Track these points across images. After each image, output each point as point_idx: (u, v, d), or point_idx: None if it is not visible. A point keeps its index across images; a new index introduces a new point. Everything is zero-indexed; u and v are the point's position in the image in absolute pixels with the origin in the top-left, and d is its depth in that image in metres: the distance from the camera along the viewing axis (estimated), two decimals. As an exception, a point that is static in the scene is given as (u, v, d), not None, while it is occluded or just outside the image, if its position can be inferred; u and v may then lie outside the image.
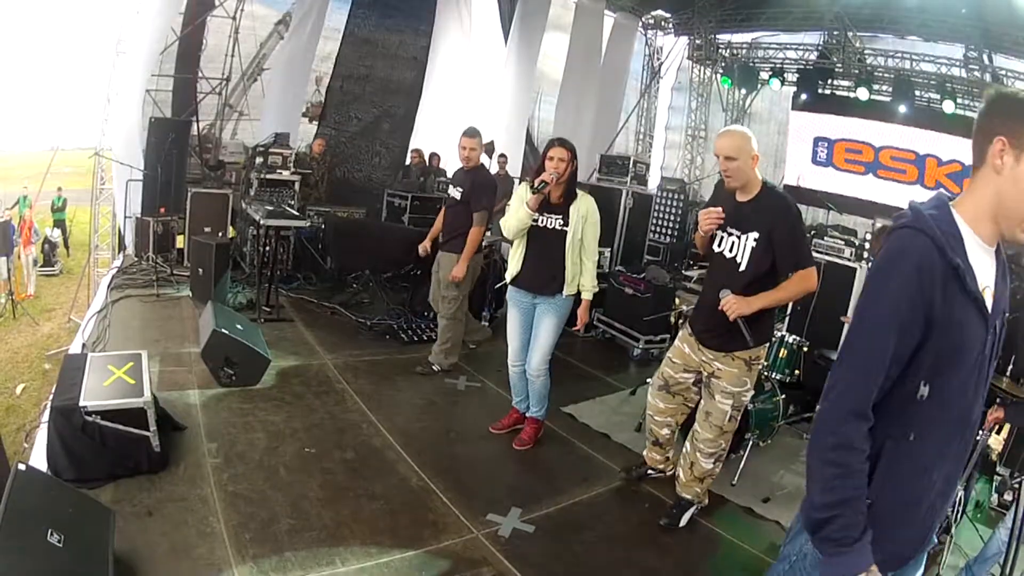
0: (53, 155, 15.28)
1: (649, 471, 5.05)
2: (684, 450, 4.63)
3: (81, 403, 4.25)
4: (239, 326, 6.30)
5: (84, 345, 6.77)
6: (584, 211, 5.10)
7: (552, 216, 5.13)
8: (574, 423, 6.15)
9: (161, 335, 7.02)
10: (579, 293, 5.26)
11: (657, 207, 13.11)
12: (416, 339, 7.98)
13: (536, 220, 5.16)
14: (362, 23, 13.92)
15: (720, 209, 4.18)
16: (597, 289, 5.33)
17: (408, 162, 13.57)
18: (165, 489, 4.27)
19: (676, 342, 4.63)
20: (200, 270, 8.45)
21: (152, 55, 10.40)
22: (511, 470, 5.29)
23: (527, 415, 5.65)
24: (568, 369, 7.72)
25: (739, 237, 4.10)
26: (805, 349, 6.09)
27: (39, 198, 18.93)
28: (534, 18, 14.30)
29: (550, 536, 4.34)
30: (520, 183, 5.60)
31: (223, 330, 5.94)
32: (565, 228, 5.09)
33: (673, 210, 13.31)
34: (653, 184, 14.72)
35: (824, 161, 13.81)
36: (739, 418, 4.44)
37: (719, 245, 4.24)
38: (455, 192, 6.53)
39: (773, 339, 5.80)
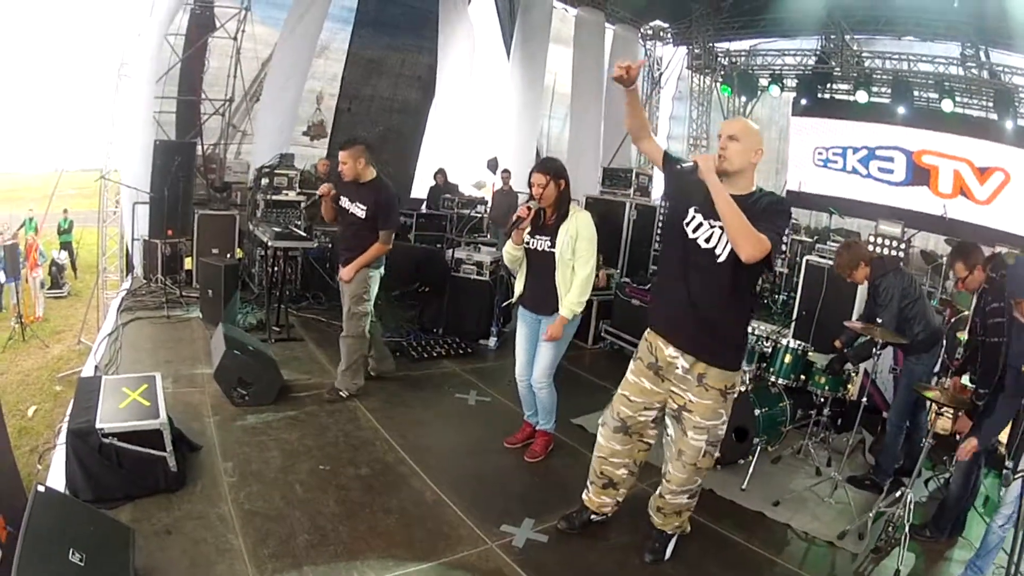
0: (58, 177, 15.40)
1: (592, 516, 4.65)
2: (655, 494, 4.39)
3: (97, 425, 4.35)
4: (250, 347, 6.40)
5: (96, 367, 6.86)
6: (574, 230, 5.08)
7: (542, 238, 5.20)
8: (584, 434, 6.18)
9: (173, 356, 7.09)
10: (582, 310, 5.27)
11: (661, 218, 13.17)
12: (426, 355, 8.04)
13: (528, 244, 5.26)
14: (365, 43, 14.09)
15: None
16: (580, 307, 5.18)
17: (433, 183, 13.62)
18: (183, 508, 4.35)
19: (630, 376, 4.24)
20: (209, 291, 8.53)
21: (155, 77, 10.52)
22: (523, 482, 5.34)
23: (536, 428, 5.71)
24: (578, 381, 7.82)
25: (715, 225, 3.73)
26: (809, 354, 6.10)
27: (45, 220, 18.98)
28: (535, 33, 14.47)
29: (564, 545, 4.40)
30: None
31: (235, 351, 6.05)
32: (553, 249, 5.13)
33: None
34: (657, 195, 14.83)
35: (824, 163, 13.96)
36: (715, 453, 4.11)
37: (693, 231, 3.81)
38: (358, 209, 6.40)
39: (778, 345, 5.85)
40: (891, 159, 12.97)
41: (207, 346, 7.16)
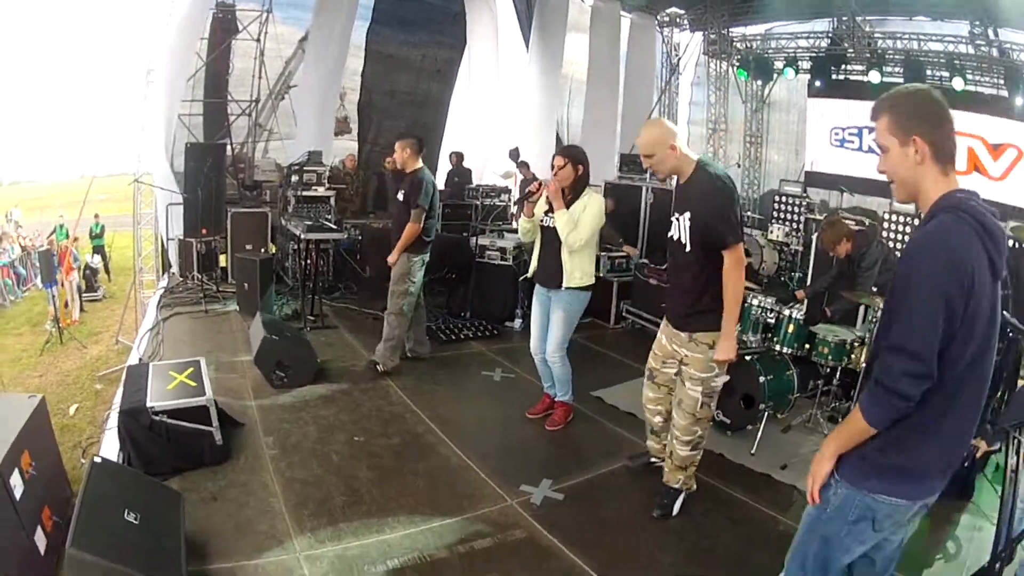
0: (90, 183, 15.74)
1: (652, 460, 5.15)
2: (667, 440, 4.78)
3: (148, 404, 4.79)
4: (287, 333, 6.84)
5: (141, 359, 7.25)
6: (583, 206, 5.44)
7: (554, 216, 5.52)
8: (603, 405, 6.53)
9: (213, 347, 7.51)
10: (588, 287, 5.63)
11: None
12: (454, 338, 8.40)
13: (543, 221, 5.64)
14: (383, 40, 14.38)
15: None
16: (573, 244, 5.38)
17: (449, 165, 13.90)
18: (228, 477, 4.77)
19: (658, 333, 4.75)
20: (246, 285, 8.97)
21: (181, 82, 10.88)
22: (543, 448, 5.69)
23: (556, 399, 6.06)
24: (599, 357, 8.17)
25: (679, 219, 4.28)
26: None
27: (77, 225, 19.42)
28: (553, 22, 14.68)
29: (579, 503, 4.74)
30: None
31: (273, 336, 6.48)
32: None
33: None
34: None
35: (840, 143, 14.11)
36: (713, 405, 4.50)
37: (673, 231, 4.38)
38: (399, 195, 6.96)
39: (781, 316, 6.13)
40: None
41: (245, 336, 7.55)
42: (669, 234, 4.46)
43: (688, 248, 4.25)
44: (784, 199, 13.69)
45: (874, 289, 6.12)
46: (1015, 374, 5.65)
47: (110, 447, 4.96)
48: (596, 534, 4.38)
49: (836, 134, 14.22)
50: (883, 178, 2.45)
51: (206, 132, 12.66)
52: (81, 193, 24.22)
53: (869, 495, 2.44)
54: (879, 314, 5.46)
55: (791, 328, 6.11)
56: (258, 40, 13.15)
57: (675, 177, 4.48)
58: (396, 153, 6.91)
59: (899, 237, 10.90)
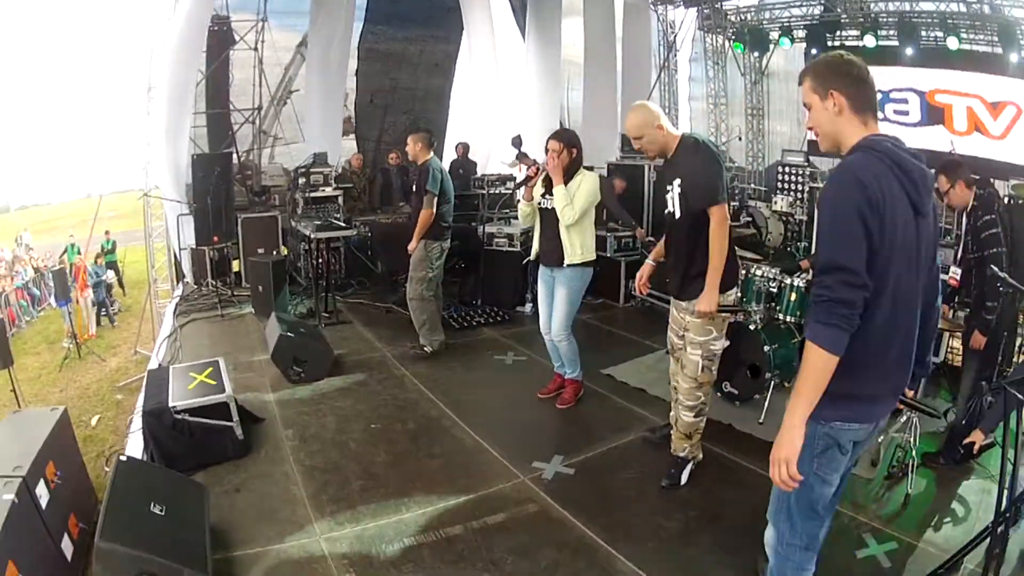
0: (99, 202, 15.93)
1: (672, 431, 5.17)
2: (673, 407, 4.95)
3: (170, 404, 4.98)
4: (302, 329, 7.05)
5: (160, 365, 7.45)
6: (577, 184, 5.60)
7: (552, 198, 5.68)
8: (614, 382, 6.67)
9: (231, 348, 7.68)
10: (591, 262, 5.79)
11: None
12: (466, 325, 8.56)
13: (541, 203, 5.84)
14: (379, 38, 14.54)
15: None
16: (571, 219, 5.55)
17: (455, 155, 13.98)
18: (250, 470, 4.96)
19: (670, 308, 4.91)
20: (260, 287, 9.14)
21: (185, 95, 10.98)
22: (554, 425, 5.87)
23: (565, 377, 6.20)
24: (609, 336, 8.34)
25: (669, 191, 4.46)
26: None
27: (89, 243, 19.58)
28: (549, 8, 14.76)
29: (589, 477, 4.90)
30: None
31: (289, 333, 6.68)
32: None
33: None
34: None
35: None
36: (714, 369, 4.65)
37: (666, 206, 4.58)
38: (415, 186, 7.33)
39: (783, 284, 6.23)
40: (905, 100, 12.96)
41: (261, 336, 7.74)
42: (664, 211, 4.61)
43: (678, 216, 4.43)
44: (787, 169, 13.66)
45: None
46: (1013, 332, 5.75)
47: (135, 448, 5.17)
48: (605, 505, 4.52)
49: None
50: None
51: (211, 142, 12.87)
52: (88, 212, 24.41)
53: (828, 424, 2.64)
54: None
55: (793, 296, 6.14)
56: (255, 49, 13.34)
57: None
58: (408, 147, 7.25)
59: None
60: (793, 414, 2.51)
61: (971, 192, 5.44)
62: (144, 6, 11.56)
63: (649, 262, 4.96)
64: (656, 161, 4.88)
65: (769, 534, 3.07)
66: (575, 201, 5.52)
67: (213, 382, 5.34)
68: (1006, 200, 8.05)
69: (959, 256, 5.76)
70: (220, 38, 12.69)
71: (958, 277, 5.72)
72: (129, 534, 3.49)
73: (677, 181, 4.38)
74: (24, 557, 4.47)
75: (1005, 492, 3.33)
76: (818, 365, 2.43)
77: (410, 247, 7.18)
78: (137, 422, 5.55)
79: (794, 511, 2.87)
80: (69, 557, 5.48)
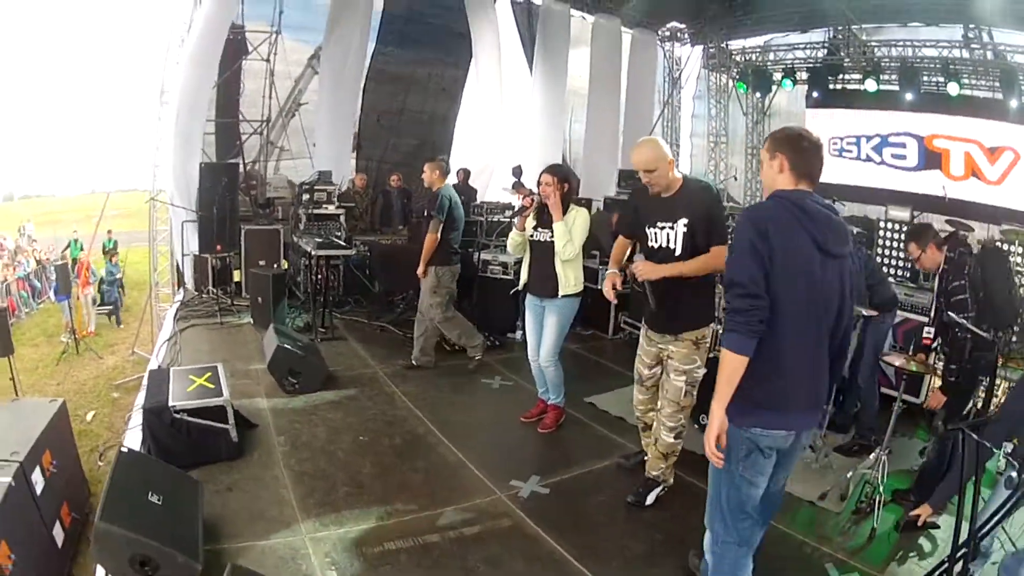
0: (106, 199, 16.00)
1: (645, 457, 5.38)
2: (653, 427, 5.15)
3: (170, 403, 5.27)
4: (299, 343, 7.30)
5: (160, 366, 7.70)
6: (571, 221, 5.87)
7: (544, 231, 6.00)
8: (595, 410, 6.92)
9: (229, 355, 7.91)
10: (579, 293, 6.08)
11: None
12: (458, 348, 8.65)
13: (532, 236, 6.10)
14: (389, 60, 14.83)
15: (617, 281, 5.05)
16: (572, 255, 5.88)
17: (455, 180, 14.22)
18: (242, 471, 5.23)
19: (640, 339, 5.09)
20: (259, 299, 9.40)
21: (198, 103, 11.23)
22: (534, 448, 6.13)
23: (548, 403, 6.47)
24: (595, 366, 8.61)
25: (672, 227, 4.61)
26: None
27: (94, 241, 19.77)
28: (556, 40, 15.06)
29: (563, 497, 5.16)
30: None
31: (286, 345, 6.94)
32: (553, 240, 5.91)
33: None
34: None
35: (839, 153, 14.39)
36: (695, 394, 4.82)
37: (654, 241, 4.71)
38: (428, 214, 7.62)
39: None
40: (903, 145, 13.19)
41: (259, 347, 7.95)
42: (653, 245, 4.74)
43: (678, 253, 4.60)
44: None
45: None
46: (993, 376, 6.01)
47: (133, 443, 5.44)
48: (577, 524, 4.77)
49: (835, 144, 14.45)
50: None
51: (218, 151, 13.11)
52: (91, 208, 24.46)
53: (748, 431, 3.16)
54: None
55: None
56: (268, 60, 13.59)
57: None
58: (425, 174, 7.62)
59: (892, 244, 11.21)
60: (714, 404, 3.08)
61: (942, 254, 5.71)
62: (163, 9, 11.87)
63: (613, 271, 5.13)
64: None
65: (707, 538, 3.47)
66: (574, 237, 5.82)
67: (212, 385, 5.61)
68: (978, 247, 8.34)
69: (932, 317, 6.01)
70: (234, 47, 12.83)
71: (931, 336, 5.96)
72: (127, 518, 3.74)
73: (684, 220, 4.55)
74: (16, 538, 4.77)
75: (964, 525, 3.54)
76: (729, 365, 3.03)
77: (419, 272, 7.52)
78: (136, 418, 5.88)
79: (726, 512, 3.33)
80: (60, 544, 5.80)
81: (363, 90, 14.71)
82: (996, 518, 3.48)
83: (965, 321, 4.91)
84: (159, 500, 4.04)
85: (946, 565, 3.55)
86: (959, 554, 3.48)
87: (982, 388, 6.17)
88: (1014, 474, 3.41)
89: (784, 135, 3.27)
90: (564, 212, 5.88)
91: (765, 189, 3.34)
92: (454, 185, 13.28)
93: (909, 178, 13.05)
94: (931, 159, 12.75)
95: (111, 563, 3.76)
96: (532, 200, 6.15)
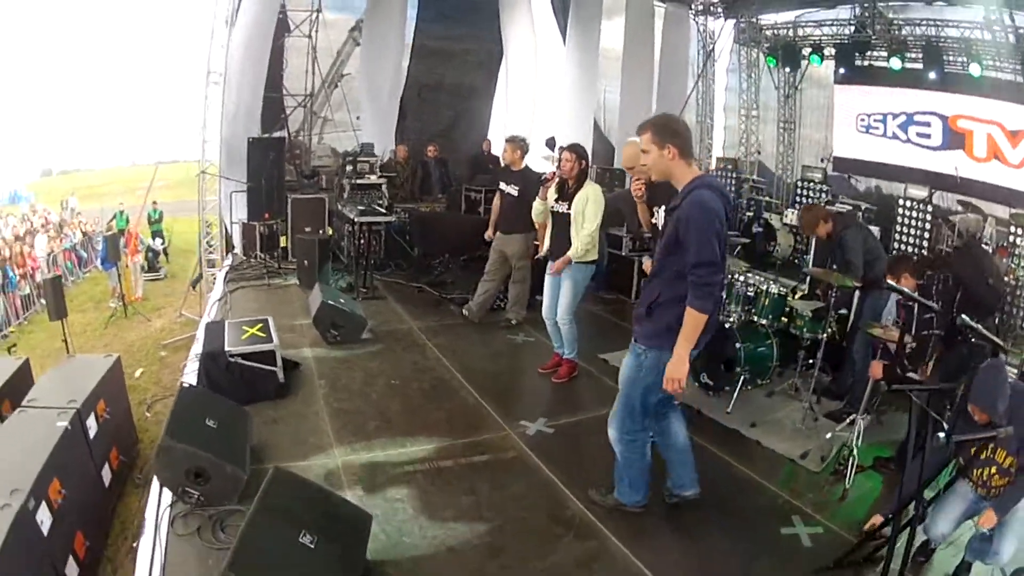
0: (154, 172, 16.71)
1: None
2: None
3: (225, 348, 6.12)
4: (342, 300, 8.08)
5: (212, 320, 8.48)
6: (585, 196, 6.62)
7: (563, 203, 6.77)
8: (607, 366, 7.54)
9: (276, 313, 8.47)
10: (592, 261, 6.80)
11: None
12: (491, 308, 9.28)
13: (553, 207, 6.87)
14: (428, 35, 15.39)
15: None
16: (581, 253, 6.65)
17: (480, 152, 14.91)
18: (287, 408, 6.09)
19: None
20: (305, 262, 10.15)
21: (246, 83, 11.94)
22: (545, 395, 6.90)
23: (563, 357, 7.19)
24: (615, 328, 9.19)
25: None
26: (790, 298, 7.04)
27: (142, 211, 20.68)
28: (589, 10, 15.42)
29: (565, 437, 5.92)
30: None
31: (330, 301, 7.73)
32: (570, 211, 6.68)
33: (728, 185, 14.85)
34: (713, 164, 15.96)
35: (866, 129, 14.46)
36: None
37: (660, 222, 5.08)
38: (511, 189, 8.12)
39: (760, 290, 6.96)
40: (928, 123, 13.15)
41: (304, 305, 8.73)
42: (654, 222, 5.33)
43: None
44: (807, 184, 14.43)
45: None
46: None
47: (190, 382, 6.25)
48: (573, 460, 5.51)
49: (862, 120, 14.51)
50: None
51: (264, 124, 13.49)
52: (133, 180, 25.27)
53: (667, 352, 4.07)
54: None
55: (767, 301, 6.91)
56: (310, 36, 14.17)
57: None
58: (507, 152, 8.25)
59: (911, 222, 11.56)
60: (680, 350, 4.00)
61: (914, 283, 6.22)
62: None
63: (648, 259, 5.76)
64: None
65: (612, 434, 4.56)
66: (585, 224, 6.60)
67: (263, 335, 6.45)
68: (953, 249, 8.73)
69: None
70: (277, 26, 13.17)
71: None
72: (186, 437, 4.50)
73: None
74: (69, 477, 5.62)
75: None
76: (696, 323, 3.95)
77: (522, 249, 8.26)
78: (190, 366, 6.76)
79: (636, 411, 4.47)
80: (107, 484, 6.77)
81: (408, 66, 15.30)
82: (928, 476, 3.99)
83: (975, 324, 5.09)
84: (214, 424, 4.81)
85: (892, 518, 4.02)
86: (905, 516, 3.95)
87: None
88: (941, 435, 3.74)
89: (665, 125, 4.10)
90: (580, 186, 6.65)
91: (657, 173, 4.16)
92: (477, 155, 14.04)
93: (931, 157, 13.14)
94: (955, 139, 12.76)
95: (168, 475, 4.51)
96: (553, 175, 6.95)
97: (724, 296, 6.76)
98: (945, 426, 3.87)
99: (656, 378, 4.17)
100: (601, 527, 4.61)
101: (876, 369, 5.73)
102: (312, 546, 3.60)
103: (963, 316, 4.71)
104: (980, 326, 4.75)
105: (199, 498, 4.47)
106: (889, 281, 5.42)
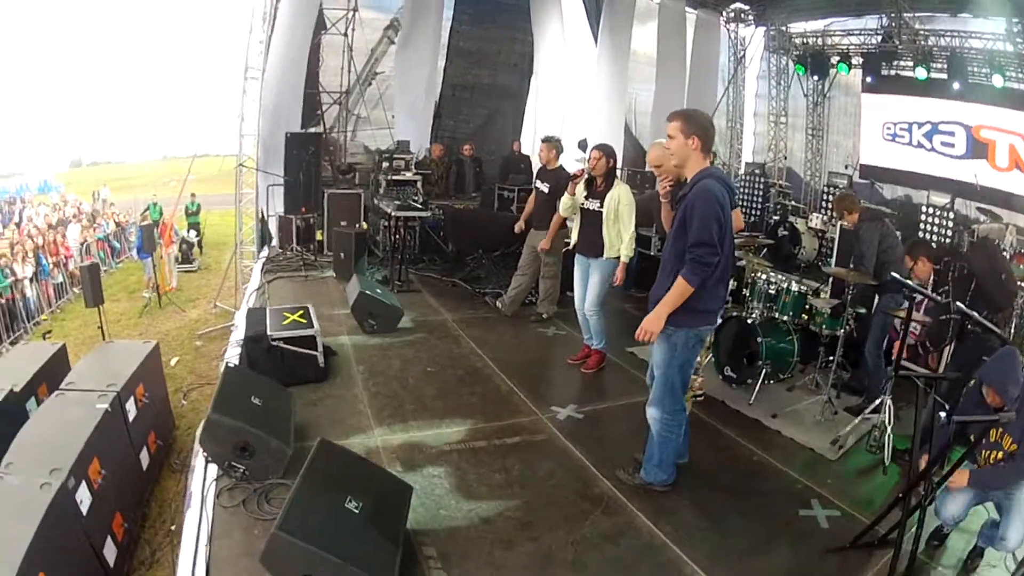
0: (190, 164, 16.67)
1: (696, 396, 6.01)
2: None
3: (268, 332, 6.39)
4: (379, 291, 8.37)
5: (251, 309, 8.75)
6: (616, 196, 6.89)
7: (593, 201, 7.04)
8: (635, 359, 7.74)
9: (313, 303, 8.64)
10: (618, 257, 6.98)
11: (741, 190, 14.92)
12: (523, 302, 9.50)
13: (583, 204, 7.12)
14: (463, 37, 15.65)
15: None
16: (632, 254, 6.98)
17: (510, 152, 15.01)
18: (327, 391, 6.39)
19: None
20: (342, 254, 10.46)
21: (286, 80, 12.20)
22: (575, 384, 7.15)
23: (592, 348, 7.44)
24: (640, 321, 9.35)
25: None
26: (809, 298, 7.20)
27: (178, 203, 20.73)
28: (621, 14, 15.77)
29: (594, 422, 6.17)
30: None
31: (367, 291, 8.03)
32: (601, 209, 6.94)
33: (757, 189, 15.08)
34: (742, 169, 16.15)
35: (892, 138, 14.64)
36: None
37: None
38: (543, 187, 8.41)
39: (781, 288, 7.13)
40: (952, 133, 13.34)
41: (341, 296, 9.05)
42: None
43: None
44: (832, 190, 14.40)
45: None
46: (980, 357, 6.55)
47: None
48: (601, 443, 5.74)
49: (888, 128, 14.72)
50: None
51: (301, 120, 13.70)
52: (163, 174, 25.46)
53: (693, 329, 4.60)
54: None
55: (788, 299, 7.09)
56: (345, 35, 14.35)
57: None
58: (543, 152, 8.53)
59: (934, 228, 11.62)
60: (661, 309, 4.45)
61: (930, 267, 6.45)
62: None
63: None
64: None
65: (654, 413, 4.77)
66: (624, 224, 6.90)
67: (304, 321, 6.74)
68: (968, 244, 8.86)
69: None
70: (313, 24, 13.37)
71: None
72: (233, 412, 4.77)
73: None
74: (108, 457, 5.93)
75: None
76: (682, 291, 4.39)
77: (545, 245, 8.35)
78: (231, 351, 7.07)
79: (676, 389, 4.78)
80: (145, 467, 7.11)
81: (444, 66, 15.56)
82: (934, 457, 4.16)
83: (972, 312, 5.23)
84: (259, 402, 5.09)
85: (903, 498, 4.19)
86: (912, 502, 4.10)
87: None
88: (943, 415, 4.07)
89: (694, 117, 4.54)
90: (610, 185, 6.93)
91: (678, 158, 4.54)
92: (507, 156, 14.29)
93: (953, 165, 13.32)
94: (978, 149, 12.93)
95: (215, 449, 4.76)
96: (582, 171, 7.21)
97: (735, 283, 7.36)
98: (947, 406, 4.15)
99: (688, 354, 4.67)
100: (628, 503, 4.84)
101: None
102: (357, 511, 3.84)
103: (959, 303, 4.74)
104: (984, 319, 4.90)
105: (244, 472, 4.74)
106: (893, 275, 5.50)
